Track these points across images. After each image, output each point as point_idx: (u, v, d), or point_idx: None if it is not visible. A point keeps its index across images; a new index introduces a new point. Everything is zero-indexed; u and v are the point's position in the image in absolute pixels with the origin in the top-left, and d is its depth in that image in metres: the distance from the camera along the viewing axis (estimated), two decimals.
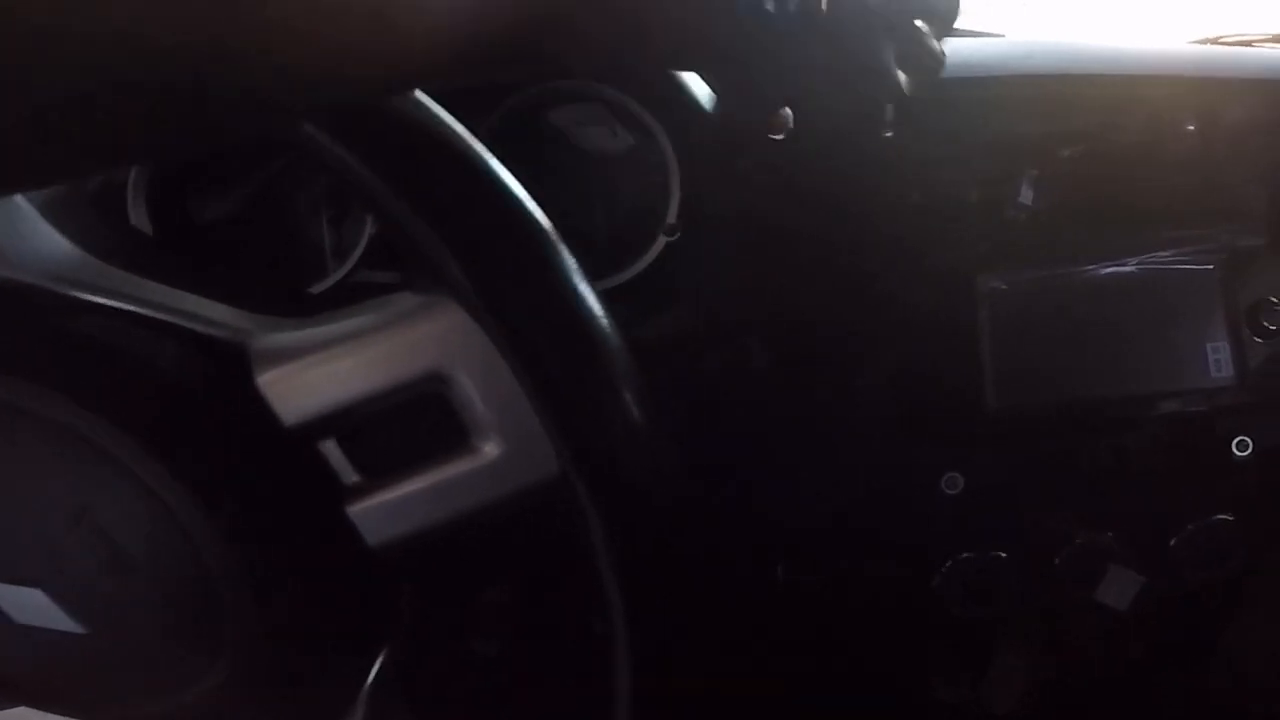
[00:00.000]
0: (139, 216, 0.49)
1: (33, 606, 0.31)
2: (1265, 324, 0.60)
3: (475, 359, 0.30)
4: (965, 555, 0.65)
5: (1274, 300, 0.60)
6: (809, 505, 0.64)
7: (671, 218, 0.62)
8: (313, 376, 0.30)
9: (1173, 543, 0.65)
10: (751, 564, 0.66)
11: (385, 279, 0.61)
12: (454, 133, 0.31)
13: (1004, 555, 0.66)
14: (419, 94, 0.29)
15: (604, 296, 0.62)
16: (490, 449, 0.31)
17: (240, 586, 0.30)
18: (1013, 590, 0.66)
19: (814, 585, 0.68)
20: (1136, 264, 0.61)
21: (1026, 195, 0.67)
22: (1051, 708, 0.74)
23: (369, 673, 0.37)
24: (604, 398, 0.30)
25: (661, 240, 0.62)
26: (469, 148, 0.31)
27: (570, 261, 0.31)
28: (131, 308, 0.31)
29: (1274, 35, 0.90)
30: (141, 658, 0.32)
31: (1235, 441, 0.61)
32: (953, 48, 0.83)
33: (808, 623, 0.71)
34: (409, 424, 0.32)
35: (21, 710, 0.39)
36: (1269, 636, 0.70)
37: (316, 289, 0.60)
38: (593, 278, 0.62)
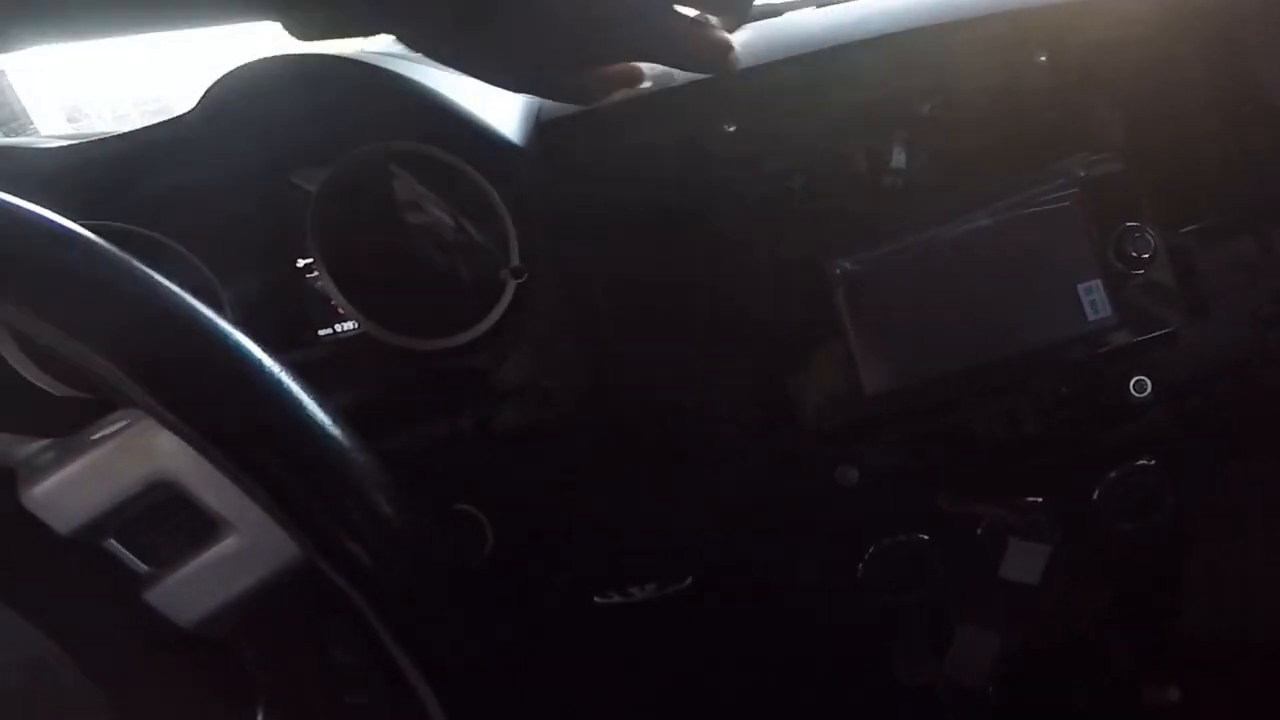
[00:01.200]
0: None
1: None
2: (1133, 253, 0.57)
3: (186, 462, 0.30)
4: (885, 542, 0.63)
5: (1137, 226, 0.57)
6: (703, 517, 0.62)
7: (514, 260, 0.60)
8: (70, 491, 0.32)
9: (1095, 496, 0.62)
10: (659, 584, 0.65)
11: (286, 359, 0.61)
12: (110, 255, 0.30)
13: (925, 538, 0.63)
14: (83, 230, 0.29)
15: (464, 350, 0.61)
16: (231, 538, 0.31)
17: (79, 681, 0.31)
18: (940, 570, 0.64)
19: (724, 593, 0.66)
20: (991, 215, 0.58)
21: (899, 159, 0.64)
22: (1019, 674, 0.71)
23: None
24: (350, 506, 0.30)
25: (511, 284, 0.61)
26: (125, 269, 0.30)
27: (254, 360, 0.30)
28: None
29: None
30: None
31: (1133, 383, 0.58)
32: (793, 22, 0.81)
33: (745, 634, 0.70)
34: (167, 519, 0.33)
35: None
36: (1225, 566, 0.67)
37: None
38: (453, 333, 0.61)
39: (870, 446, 0.59)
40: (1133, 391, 0.58)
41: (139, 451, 0.32)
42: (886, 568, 0.63)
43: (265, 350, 0.30)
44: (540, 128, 0.61)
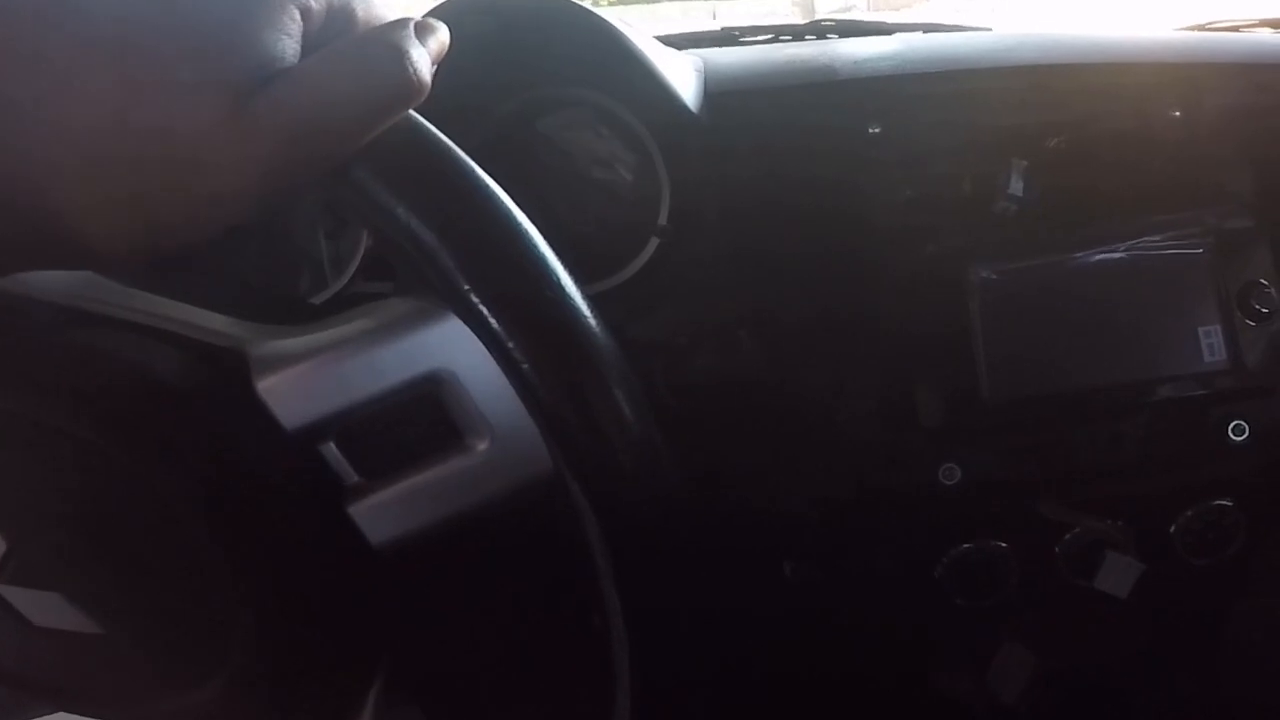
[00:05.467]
0: None
1: (51, 609, 0.32)
2: (1257, 306, 0.60)
3: (468, 360, 0.31)
4: (965, 546, 0.66)
5: (1264, 283, 0.61)
6: (808, 502, 0.65)
7: (663, 220, 0.62)
8: (313, 381, 0.31)
9: (1173, 529, 0.65)
10: (757, 562, 0.67)
11: (382, 290, 0.62)
12: (446, 144, 0.32)
13: (1004, 545, 0.66)
14: (412, 112, 0.30)
15: (598, 299, 0.63)
16: (483, 446, 0.32)
17: (250, 583, 0.31)
18: (1014, 579, 0.67)
19: (820, 582, 0.68)
20: (1126, 250, 0.61)
21: (1016, 186, 0.67)
22: (1057, 696, 0.74)
23: (376, 671, 0.38)
24: (594, 396, 0.31)
25: (654, 242, 0.62)
26: (460, 158, 0.31)
27: (559, 266, 0.32)
28: (129, 318, 0.32)
29: (1260, 20, 0.90)
30: (154, 656, 0.33)
31: (1231, 426, 0.62)
32: (941, 42, 0.84)
33: (811, 618, 0.72)
34: (403, 425, 0.32)
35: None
36: (1272, 619, 0.70)
37: (316, 300, 0.61)
38: (587, 281, 0.63)
39: (976, 450, 0.62)
40: (1230, 435, 0.61)
41: (414, 346, 0.31)
42: (965, 570, 0.66)
43: None
44: (710, 98, 0.63)
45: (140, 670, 0.34)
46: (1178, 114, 0.68)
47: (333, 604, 0.34)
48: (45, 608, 0.32)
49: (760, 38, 0.97)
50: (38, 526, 0.31)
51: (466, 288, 0.30)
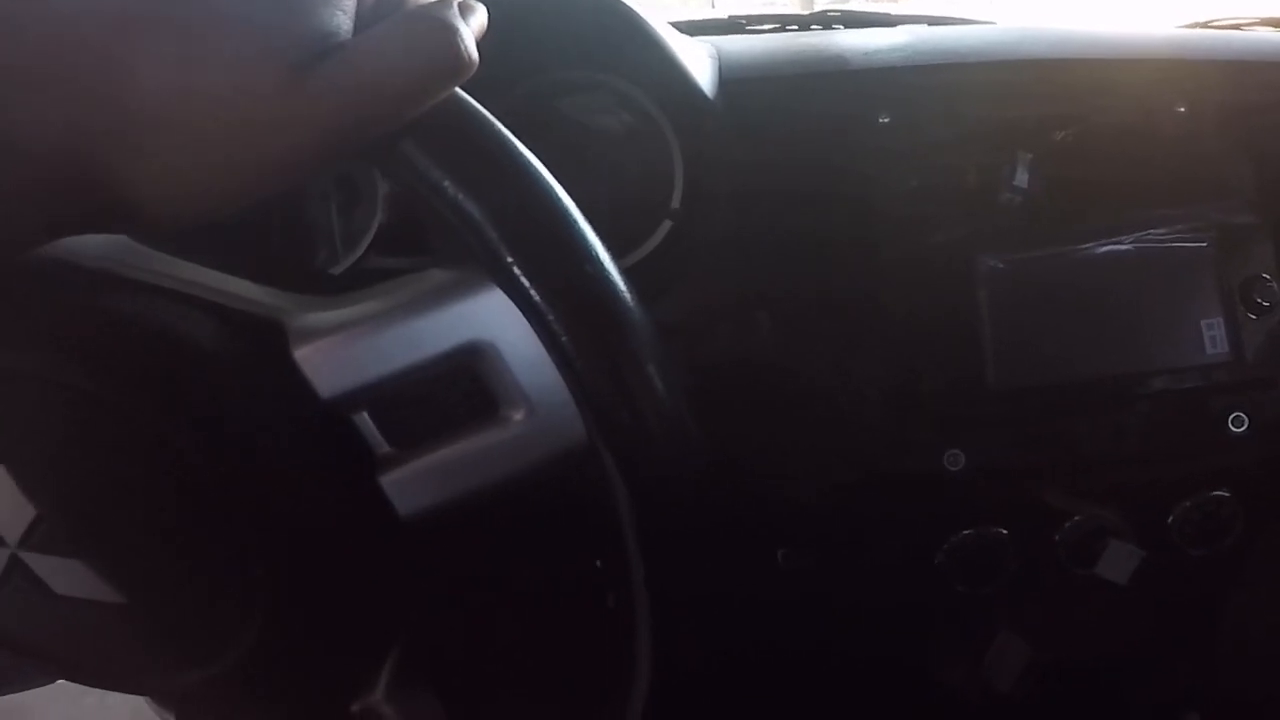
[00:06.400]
0: None
1: (74, 578, 0.32)
2: (1258, 300, 0.61)
3: (507, 331, 0.31)
4: (967, 532, 0.67)
5: (1266, 277, 0.62)
6: (810, 486, 0.65)
7: (676, 202, 0.63)
8: (351, 351, 0.31)
9: (1170, 519, 0.66)
10: (753, 547, 0.67)
11: (395, 265, 0.63)
12: (493, 122, 0.32)
13: (1004, 532, 0.67)
14: (459, 88, 0.31)
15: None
16: (519, 416, 0.32)
17: (274, 552, 0.31)
18: (1013, 566, 0.67)
19: (812, 569, 0.69)
20: (1131, 242, 0.62)
21: (1021, 178, 0.68)
22: (1052, 686, 0.75)
23: (392, 647, 0.38)
24: (629, 369, 0.31)
25: (666, 224, 0.63)
26: (507, 136, 0.32)
27: (598, 243, 0.32)
28: (167, 285, 0.32)
29: (1262, 19, 0.91)
30: (176, 626, 0.33)
31: (1231, 417, 0.63)
32: (950, 35, 0.84)
33: (808, 603, 0.72)
34: (436, 396, 0.33)
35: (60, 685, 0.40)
36: (1269, 611, 0.72)
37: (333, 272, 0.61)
38: None
39: (980, 437, 0.63)
40: (1230, 426, 0.62)
41: (454, 316, 0.31)
42: (965, 556, 0.66)
43: None
44: (724, 84, 0.63)
45: (159, 643, 0.34)
46: (1182, 110, 0.69)
47: (354, 576, 0.35)
48: (68, 576, 0.32)
49: (766, 26, 0.97)
50: (66, 493, 0.31)
51: (510, 260, 0.30)
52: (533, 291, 0.30)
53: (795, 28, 0.97)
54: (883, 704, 0.80)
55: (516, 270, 0.30)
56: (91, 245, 0.34)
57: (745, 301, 0.63)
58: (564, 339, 0.31)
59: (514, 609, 0.43)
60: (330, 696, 0.37)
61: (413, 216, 0.65)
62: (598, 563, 0.48)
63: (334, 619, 0.35)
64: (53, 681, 0.44)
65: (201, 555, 0.31)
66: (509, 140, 0.32)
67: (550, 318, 0.31)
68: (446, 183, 0.30)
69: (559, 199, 0.32)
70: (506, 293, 0.31)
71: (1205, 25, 0.97)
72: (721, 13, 1.04)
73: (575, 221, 0.32)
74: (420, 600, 0.37)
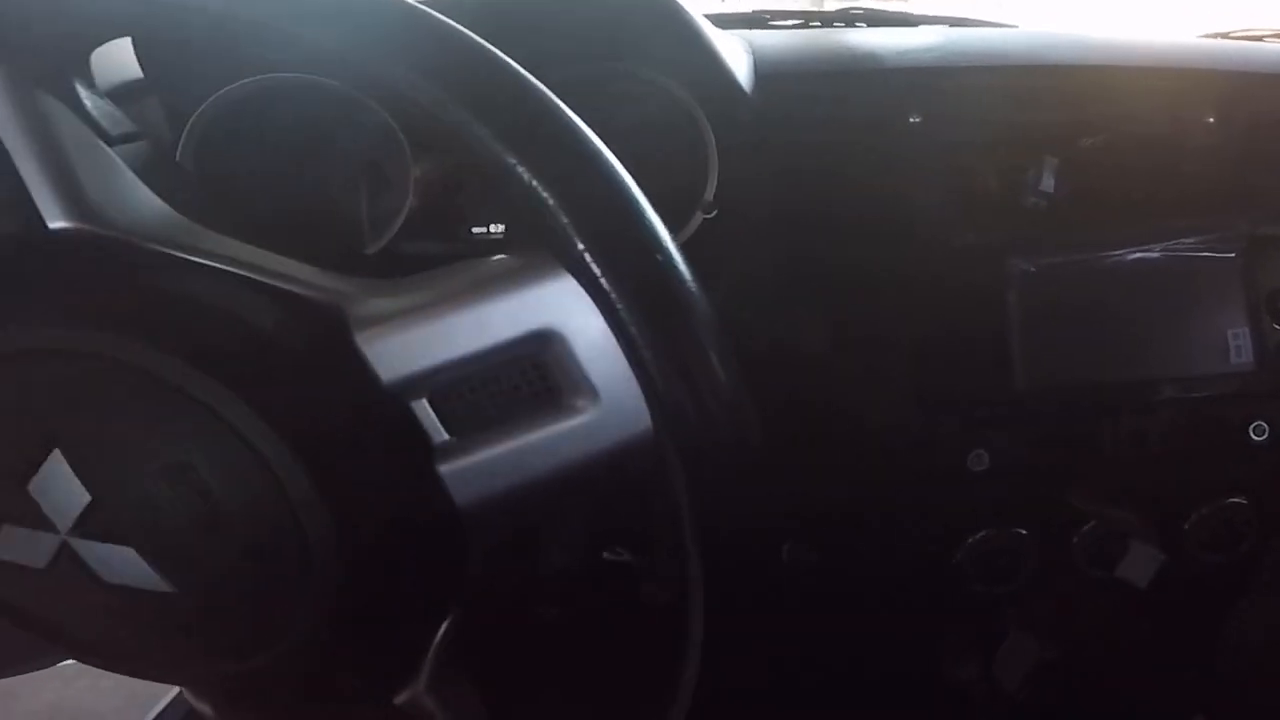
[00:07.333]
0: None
1: (124, 565, 0.31)
2: None
3: (575, 319, 0.31)
4: (986, 532, 0.67)
5: None
6: (835, 482, 0.65)
7: (709, 195, 0.62)
8: (415, 336, 0.31)
9: (1187, 524, 0.67)
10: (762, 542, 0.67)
11: (426, 249, 0.62)
12: (569, 114, 0.32)
13: (1024, 532, 0.67)
14: (537, 82, 0.30)
15: None
16: (584, 405, 0.32)
17: (329, 541, 0.31)
18: (1030, 567, 0.68)
19: (816, 564, 0.69)
20: (1160, 251, 0.63)
21: (1048, 183, 0.68)
22: (1061, 686, 0.75)
23: (435, 636, 0.38)
24: (695, 357, 0.31)
25: (699, 217, 0.62)
26: (583, 128, 0.32)
27: (666, 234, 0.32)
28: (231, 269, 0.32)
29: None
30: (226, 616, 0.33)
31: (1253, 426, 0.63)
32: (981, 37, 0.84)
33: (820, 598, 0.73)
34: (498, 383, 0.33)
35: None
36: (1277, 618, 0.73)
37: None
38: None
39: (1005, 438, 0.63)
40: (1251, 435, 0.63)
41: (524, 302, 0.31)
42: (984, 556, 0.67)
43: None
44: (760, 79, 0.63)
45: (206, 632, 0.34)
46: (1211, 120, 0.69)
47: (408, 566, 0.34)
48: (118, 563, 0.31)
49: (790, 22, 0.97)
50: (122, 478, 0.30)
51: (582, 248, 0.30)
52: (604, 279, 0.30)
53: (818, 24, 0.96)
54: (891, 699, 0.80)
55: (588, 258, 0.30)
56: (147, 225, 0.33)
57: (775, 294, 0.63)
58: (633, 328, 0.31)
59: (555, 600, 0.43)
60: (376, 687, 0.37)
61: (443, 201, 0.64)
62: (627, 555, 0.48)
63: (384, 609, 0.35)
64: (57, 663, 0.43)
65: (255, 544, 0.31)
66: (582, 129, 0.32)
67: (620, 306, 0.30)
68: (521, 170, 0.30)
69: (630, 189, 0.32)
70: (577, 279, 0.31)
71: (1224, 36, 0.97)
72: (744, 6, 1.03)
73: (645, 212, 0.32)
74: (468, 591, 0.37)
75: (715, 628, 0.36)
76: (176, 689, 1.05)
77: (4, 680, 0.45)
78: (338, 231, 0.61)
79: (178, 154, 0.52)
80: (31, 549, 0.31)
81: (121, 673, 0.36)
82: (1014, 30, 0.91)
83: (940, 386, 0.63)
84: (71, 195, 0.32)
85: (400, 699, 0.37)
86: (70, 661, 0.47)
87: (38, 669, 0.44)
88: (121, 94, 0.51)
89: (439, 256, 0.64)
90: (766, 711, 0.71)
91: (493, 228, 0.67)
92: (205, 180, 0.51)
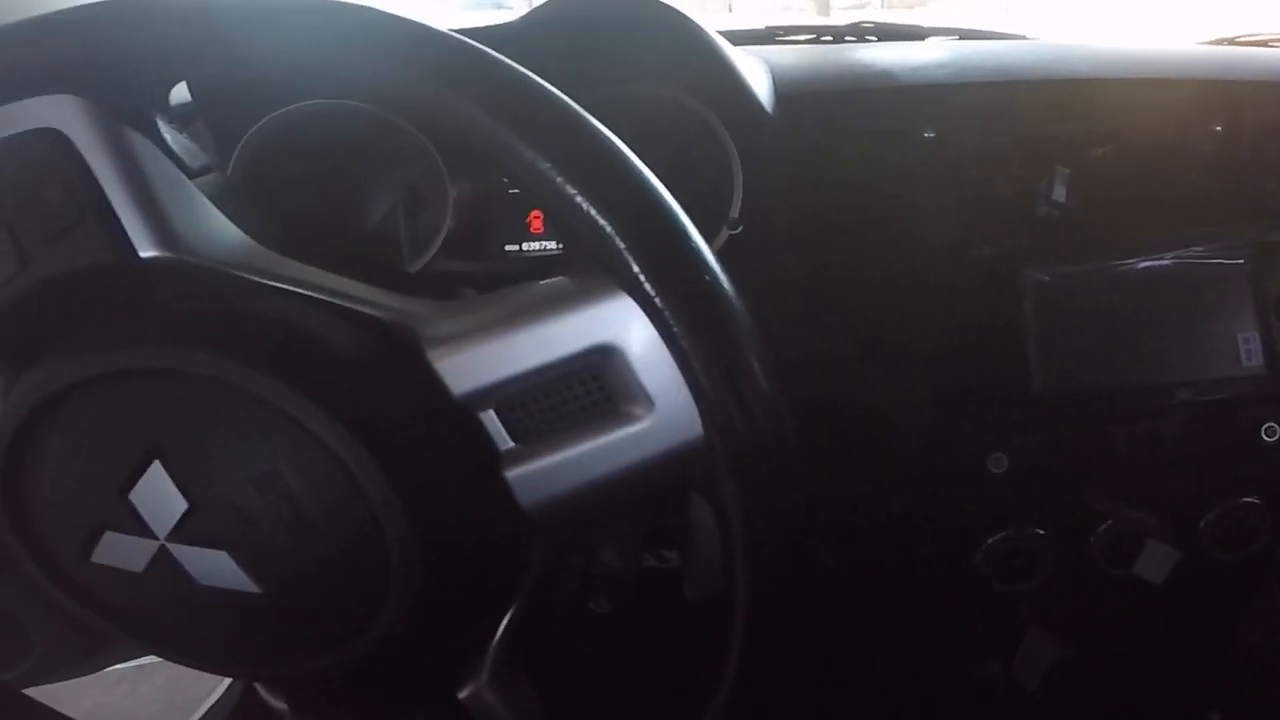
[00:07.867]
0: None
1: (216, 568, 0.34)
2: None
3: (631, 334, 0.34)
4: (1006, 533, 0.69)
5: None
6: (857, 484, 0.67)
7: (735, 212, 0.65)
8: (481, 354, 0.34)
9: (1203, 524, 0.69)
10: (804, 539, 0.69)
11: (464, 268, 0.65)
12: (621, 145, 0.34)
13: (1042, 532, 0.69)
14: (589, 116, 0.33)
15: None
16: (641, 412, 0.34)
17: (406, 542, 0.33)
18: (1049, 566, 0.70)
19: (838, 565, 0.71)
20: (1171, 258, 0.65)
21: (1059, 193, 0.70)
22: (1078, 683, 0.77)
23: (497, 630, 0.40)
24: (740, 368, 0.34)
25: (725, 233, 0.65)
26: (632, 158, 0.34)
27: (710, 252, 0.35)
28: (309, 292, 0.34)
29: None
30: (309, 615, 0.35)
31: (1264, 428, 0.65)
32: (991, 50, 0.87)
33: (840, 599, 0.75)
34: (558, 396, 0.35)
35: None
36: None
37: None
38: None
39: (1023, 441, 0.65)
40: (1263, 436, 0.65)
41: (584, 320, 0.34)
42: (1004, 556, 0.69)
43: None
44: (781, 98, 0.65)
45: (290, 631, 0.36)
46: (1219, 128, 0.71)
47: (478, 566, 0.37)
48: (211, 566, 0.34)
49: (802, 38, 0.99)
50: (217, 486, 0.33)
51: (637, 270, 0.32)
52: (658, 299, 0.33)
53: (830, 39, 0.99)
54: (911, 697, 0.82)
55: (644, 279, 0.33)
56: (231, 253, 0.36)
57: (798, 304, 0.65)
58: (684, 341, 0.33)
59: (608, 593, 0.45)
60: (443, 682, 0.39)
61: (479, 221, 0.67)
62: (677, 553, 0.50)
63: (456, 605, 0.37)
64: (104, 668, 0.45)
65: (339, 547, 0.33)
66: (632, 159, 0.34)
67: (673, 321, 0.33)
68: (580, 199, 0.32)
69: (677, 215, 0.35)
70: (634, 298, 0.33)
71: (1231, 41, 0.99)
72: (756, 23, 1.05)
73: (692, 235, 0.35)
74: (530, 588, 0.39)
75: (760, 624, 0.39)
76: (214, 696, 1.07)
77: (47, 685, 0.47)
78: (383, 252, 0.63)
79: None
80: (131, 554, 0.33)
81: (209, 671, 0.39)
82: (1022, 43, 0.93)
83: (960, 392, 0.65)
84: (160, 226, 0.35)
85: (464, 693, 0.39)
86: (112, 667, 0.50)
87: (85, 674, 0.47)
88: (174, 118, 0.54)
89: (477, 274, 0.67)
90: (789, 708, 0.73)
91: (526, 246, 0.69)
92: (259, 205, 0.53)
